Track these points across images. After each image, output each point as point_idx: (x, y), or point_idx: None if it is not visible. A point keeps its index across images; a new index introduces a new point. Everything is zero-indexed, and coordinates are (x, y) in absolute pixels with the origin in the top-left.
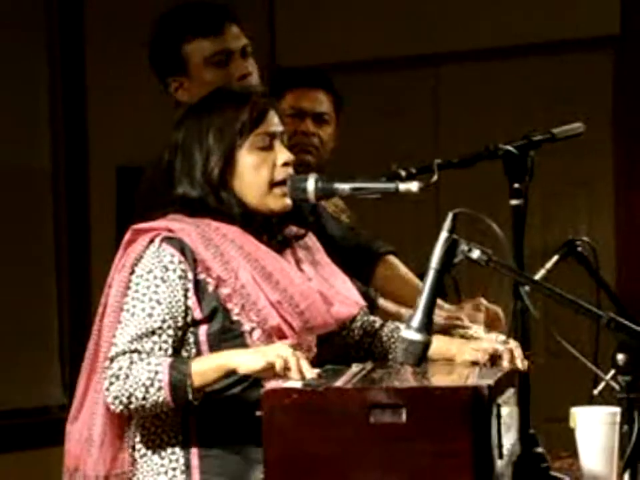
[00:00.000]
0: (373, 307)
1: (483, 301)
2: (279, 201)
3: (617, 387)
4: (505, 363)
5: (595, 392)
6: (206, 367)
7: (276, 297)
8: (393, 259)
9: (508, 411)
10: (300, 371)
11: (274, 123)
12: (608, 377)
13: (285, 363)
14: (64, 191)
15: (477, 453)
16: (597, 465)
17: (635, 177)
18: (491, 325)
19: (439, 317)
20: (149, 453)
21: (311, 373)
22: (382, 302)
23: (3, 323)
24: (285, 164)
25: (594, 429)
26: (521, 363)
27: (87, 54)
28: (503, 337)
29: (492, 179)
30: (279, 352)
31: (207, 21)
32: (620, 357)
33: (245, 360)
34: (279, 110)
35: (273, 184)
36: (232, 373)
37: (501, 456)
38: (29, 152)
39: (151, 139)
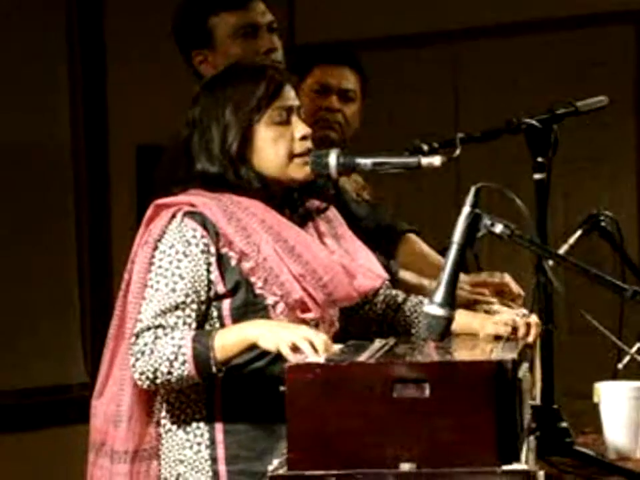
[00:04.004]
0: (393, 280)
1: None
2: (301, 170)
3: None
4: (520, 336)
5: (620, 366)
6: (228, 339)
7: (299, 270)
8: (415, 237)
9: (525, 385)
10: (316, 352)
11: (290, 97)
12: (633, 350)
13: (297, 349)
14: (85, 170)
15: (501, 427)
16: (621, 439)
17: None
18: (502, 295)
19: (463, 290)
20: (174, 428)
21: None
22: (402, 274)
23: (25, 302)
24: (303, 137)
25: (618, 403)
26: (531, 337)
27: (106, 31)
28: (525, 311)
29: (513, 154)
30: (294, 338)
31: None
32: None
33: (261, 336)
34: (295, 84)
35: (292, 156)
36: (254, 345)
37: (521, 429)
38: (49, 130)
39: (171, 117)
